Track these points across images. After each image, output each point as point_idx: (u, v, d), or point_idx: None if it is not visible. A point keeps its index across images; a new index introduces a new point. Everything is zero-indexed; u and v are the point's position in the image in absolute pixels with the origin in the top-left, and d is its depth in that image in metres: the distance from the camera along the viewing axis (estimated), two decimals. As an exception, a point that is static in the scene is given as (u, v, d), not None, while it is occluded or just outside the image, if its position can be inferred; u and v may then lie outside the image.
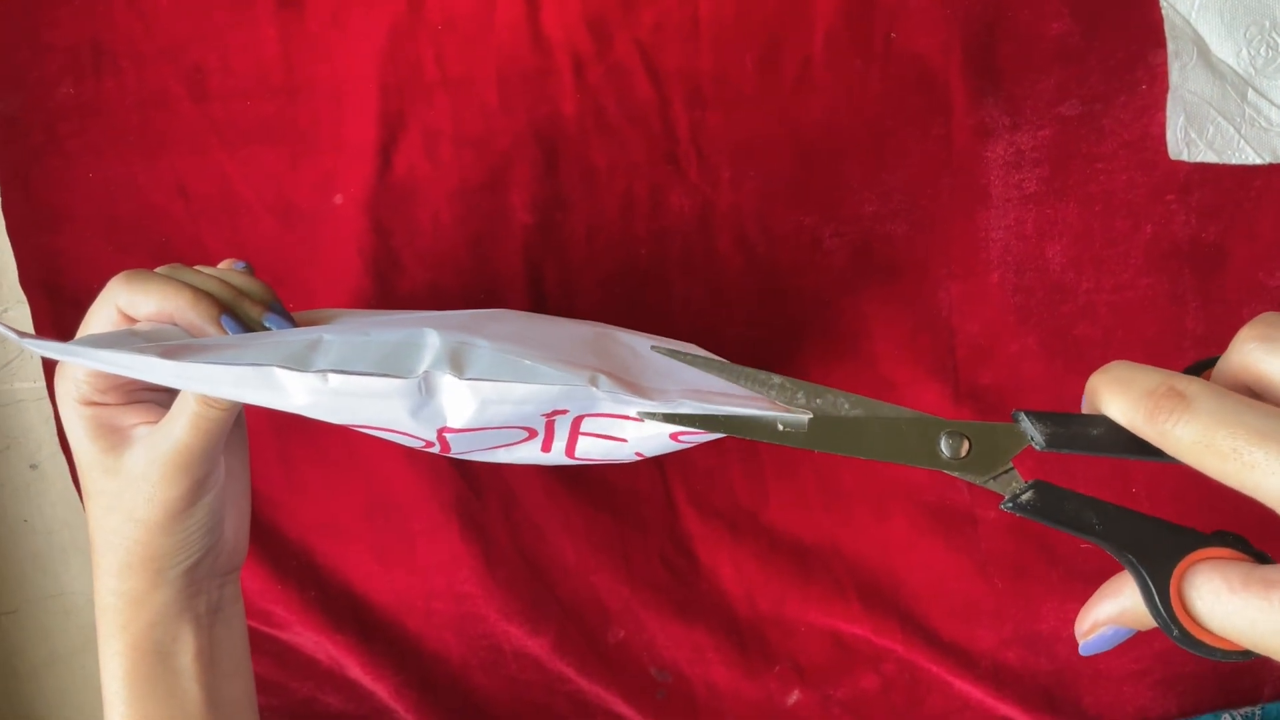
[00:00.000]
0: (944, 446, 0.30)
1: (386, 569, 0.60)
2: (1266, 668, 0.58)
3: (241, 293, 0.40)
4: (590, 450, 0.41)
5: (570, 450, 0.41)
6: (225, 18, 0.55)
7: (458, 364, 0.34)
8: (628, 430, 0.39)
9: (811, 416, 0.31)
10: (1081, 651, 0.29)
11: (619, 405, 0.35)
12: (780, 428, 0.31)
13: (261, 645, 0.62)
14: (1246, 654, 0.25)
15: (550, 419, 0.38)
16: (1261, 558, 0.26)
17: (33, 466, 0.64)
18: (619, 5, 0.53)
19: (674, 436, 0.39)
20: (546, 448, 0.40)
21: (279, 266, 0.57)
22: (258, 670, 0.63)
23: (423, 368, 0.34)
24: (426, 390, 0.34)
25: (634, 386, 0.35)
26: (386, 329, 0.36)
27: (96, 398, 0.39)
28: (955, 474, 0.30)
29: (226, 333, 0.38)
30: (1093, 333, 0.54)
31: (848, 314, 0.56)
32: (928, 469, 0.30)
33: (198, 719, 0.43)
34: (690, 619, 0.59)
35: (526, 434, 0.39)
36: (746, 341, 0.56)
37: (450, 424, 0.36)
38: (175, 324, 0.38)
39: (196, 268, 0.42)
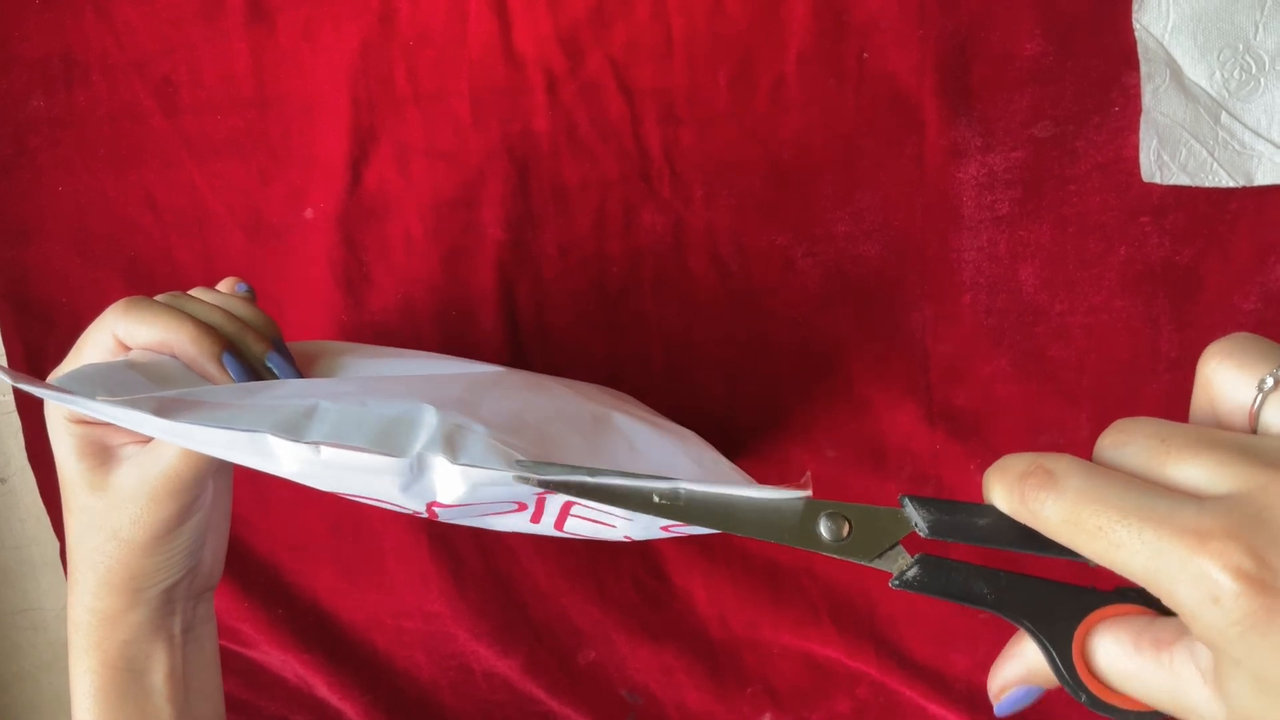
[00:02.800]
0: (824, 529, 0.29)
1: (355, 587, 0.59)
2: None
3: (245, 326, 0.40)
4: (579, 529, 0.40)
5: (559, 525, 0.40)
6: (196, 31, 0.55)
7: (451, 447, 0.33)
8: (616, 518, 0.38)
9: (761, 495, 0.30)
10: (997, 714, 0.29)
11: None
12: (656, 499, 0.31)
13: (230, 663, 0.61)
14: (1156, 714, 0.24)
15: (542, 497, 0.37)
16: (1163, 610, 0.25)
17: (1, 481, 0.64)
18: (591, 22, 0.53)
19: (665, 528, 0.39)
20: (536, 519, 0.40)
21: (249, 280, 0.56)
22: (227, 689, 0.62)
23: (416, 448, 0.33)
24: (418, 469, 0.33)
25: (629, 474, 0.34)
26: (384, 398, 0.36)
27: (88, 417, 0.38)
28: (835, 556, 0.29)
29: (227, 371, 0.38)
30: (1066, 355, 0.54)
31: (821, 334, 0.55)
32: (806, 551, 0.29)
33: None
34: (662, 641, 0.59)
35: (516, 507, 0.38)
36: (719, 361, 0.56)
37: (440, 500, 0.35)
38: (175, 357, 0.38)
39: (197, 292, 0.41)
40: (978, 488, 0.54)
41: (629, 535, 0.40)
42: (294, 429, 0.32)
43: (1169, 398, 0.53)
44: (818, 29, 0.51)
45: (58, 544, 0.62)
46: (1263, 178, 0.52)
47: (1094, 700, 0.25)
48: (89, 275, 0.57)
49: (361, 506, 0.58)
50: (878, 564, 0.29)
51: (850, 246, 0.54)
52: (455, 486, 0.34)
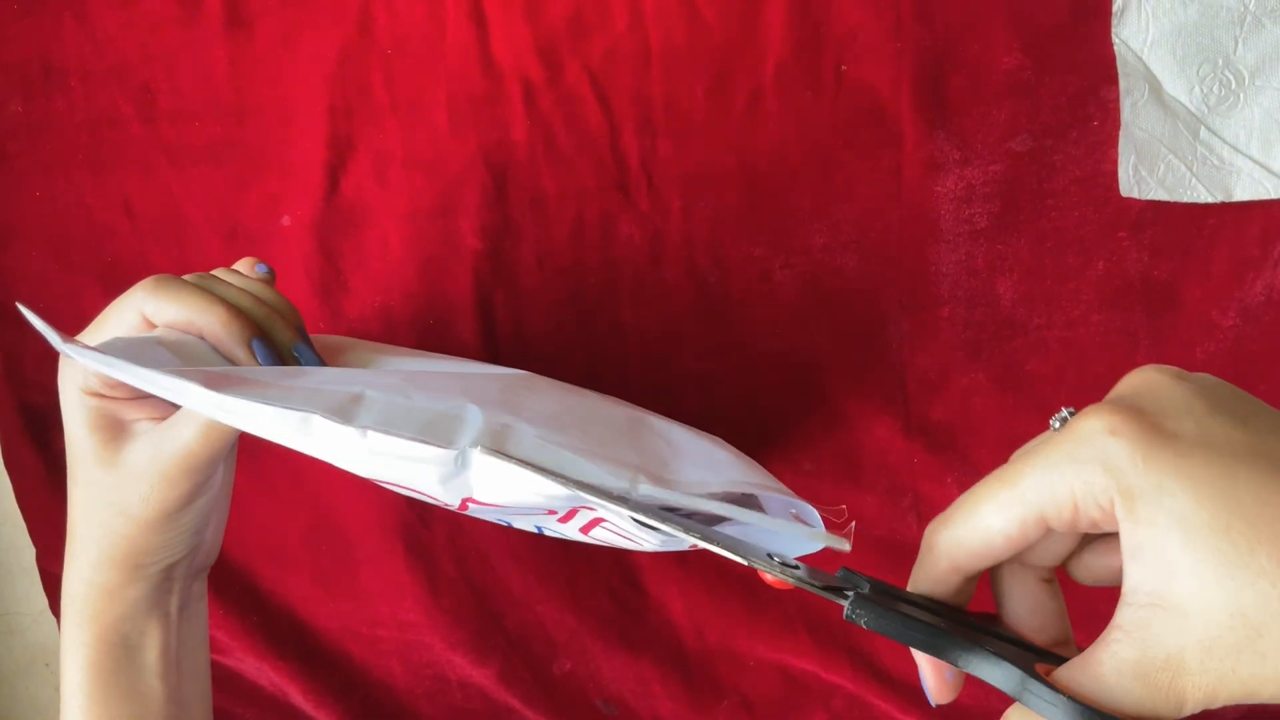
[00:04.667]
0: (774, 555, 0.30)
1: (330, 596, 0.59)
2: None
3: (273, 312, 0.39)
4: (605, 538, 0.40)
5: (585, 530, 0.40)
6: (175, 39, 0.54)
7: (499, 446, 0.33)
8: (646, 538, 0.38)
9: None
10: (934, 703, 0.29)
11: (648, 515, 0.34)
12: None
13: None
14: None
15: (576, 508, 0.37)
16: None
17: (-22, 485, 0.64)
18: (570, 32, 0.53)
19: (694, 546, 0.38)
20: (564, 520, 0.39)
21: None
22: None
23: (463, 444, 0.33)
24: (462, 463, 0.33)
25: (668, 483, 0.34)
26: (426, 393, 0.35)
27: (104, 390, 0.37)
28: (790, 581, 0.29)
29: (255, 357, 0.37)
30: (1044, 369, 0.54)
31: (798, 346, 0.55)
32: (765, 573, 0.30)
33: (158, 716, 0.42)
34: (637, 651, 0.58)
35: (547, 511, 0.38)
36: (695, 372, 0.56)
37: (477, 497, 0.35)
38: (203, 338, 0.37)
39: (222, 274, 0.41)
40: (954, 500, 0.54)
41: (654, 549, 0.40)
42: (343, 414, 0.32)
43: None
44: (795, 41, 0.51)
45: (34, 549, 0.62)
46: (1241, 193, 0.52)
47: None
48: (66, 280, 0.57)
49: (337, 515, 0.58)
50: (828, 595, 0.29)
51: (828, 259, 0.54)
52: (497, 486, 0.33)
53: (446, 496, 0.35)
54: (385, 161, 0.55)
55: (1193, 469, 0.24)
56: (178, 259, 0.57)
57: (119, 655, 0.41)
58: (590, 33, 0.53)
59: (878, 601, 0.28)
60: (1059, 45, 0.51)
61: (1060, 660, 0.27)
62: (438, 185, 0.55)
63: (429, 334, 0.57)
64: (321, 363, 0.40)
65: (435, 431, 0.33)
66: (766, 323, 0.55)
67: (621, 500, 0.32)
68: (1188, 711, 0.24)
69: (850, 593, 0.29)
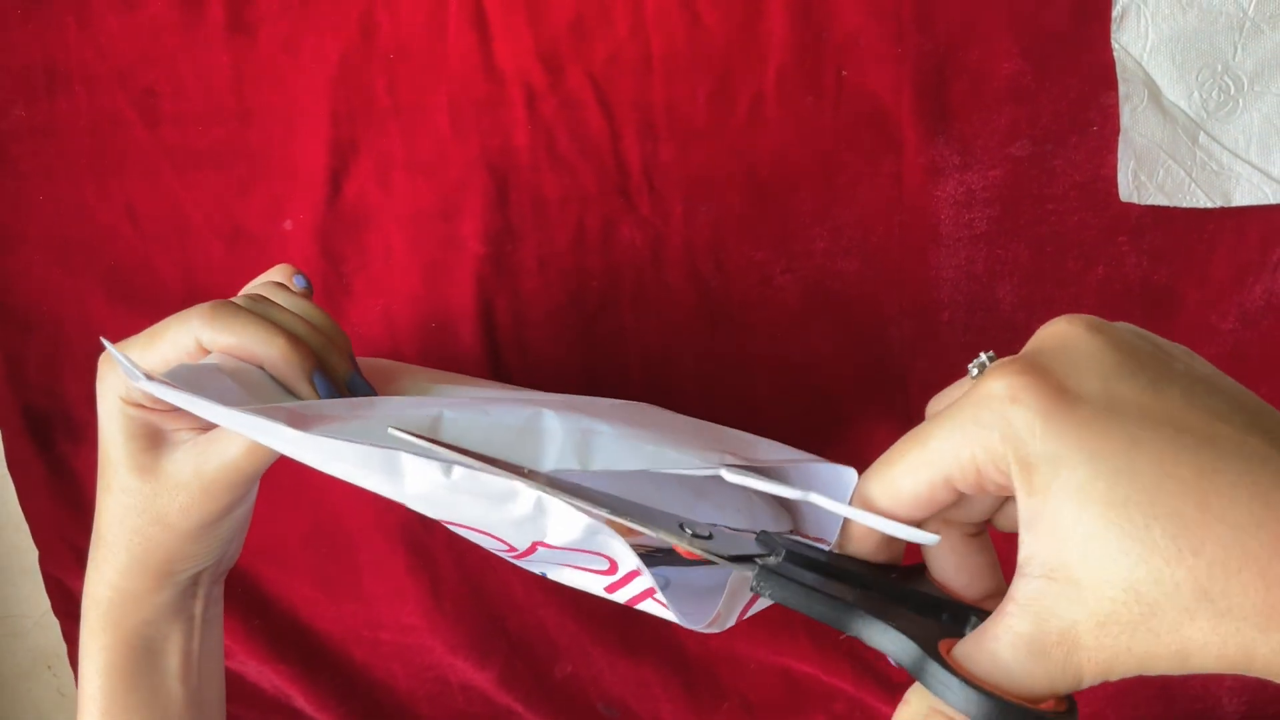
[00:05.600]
0: (685, 525, 0.30)
1: (332, 599, 0.59)
2: (1218, 681, 0.57)
3: (329, 340, 0.39)
4: (648, 609, 0.38)
5: (631, 604, 0.38)
6: (178, 42, 0.55)
7: (584, 455, 0.32)
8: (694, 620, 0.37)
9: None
10: None
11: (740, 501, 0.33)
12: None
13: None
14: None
15: (634, 572, 0.36)
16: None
17: (-20, 488, 0.64)
18: (571, 37, 0.53)
19: (744, 610, 0.37)
20: (613, 590, 0.38)
21: (228, 291, 0.56)
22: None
23: (551, 458, 0.32)
24: (539, 509, 0.32)
25: (758, 465, 0.34)
26: (502, 406, 0.34)
27: (145, 401, 0.37)
28: (699, 552, 0.29)
29: (317, 390, 0.37)
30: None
31: (799, 350, 0.55)
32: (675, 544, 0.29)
33: (178, 719, 0.42)
34: (639, 655, 0.59)
35: (608, 566, 0.37)
36: (696, 376, 0.56)
37: (549, 541, 0.34)
38: (262, 368, 0.37)
39: (270, 291, 0.40)
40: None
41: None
42: (429, 431, 0.31)
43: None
44: (797, 46, 0.52)
45: (36, 552, 0.62)
46: (1240, 198, 0.52)
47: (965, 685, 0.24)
48: (69, 283, 0.58)
49: (339, 518, 0.58)
50: (737, 566, 0.29)
51: (829, 263, 0.54)
52: (571, 529, 0.32)
53: (516, 539, 0.35)
54: (387, 165, 0.55)
55: (1093, 438, 0.23)
56: (180, 262, 0.57)
57: (141, 659, 0.41)
58: (592, 38, 0.53)
59: (784, 573, 0.27)
60: (1059, 51, 0.51)
61: (975, 625, 0.26)
62: (440, 189, 0.55)
63: (431, 337, 0.57)
64: (374, 393, 0.39)
65: (519, 449, 0.32)
66: (767, 327, 0.55)
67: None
68: (1085, 685, 0.24)
69: (760, 561, 0.28)
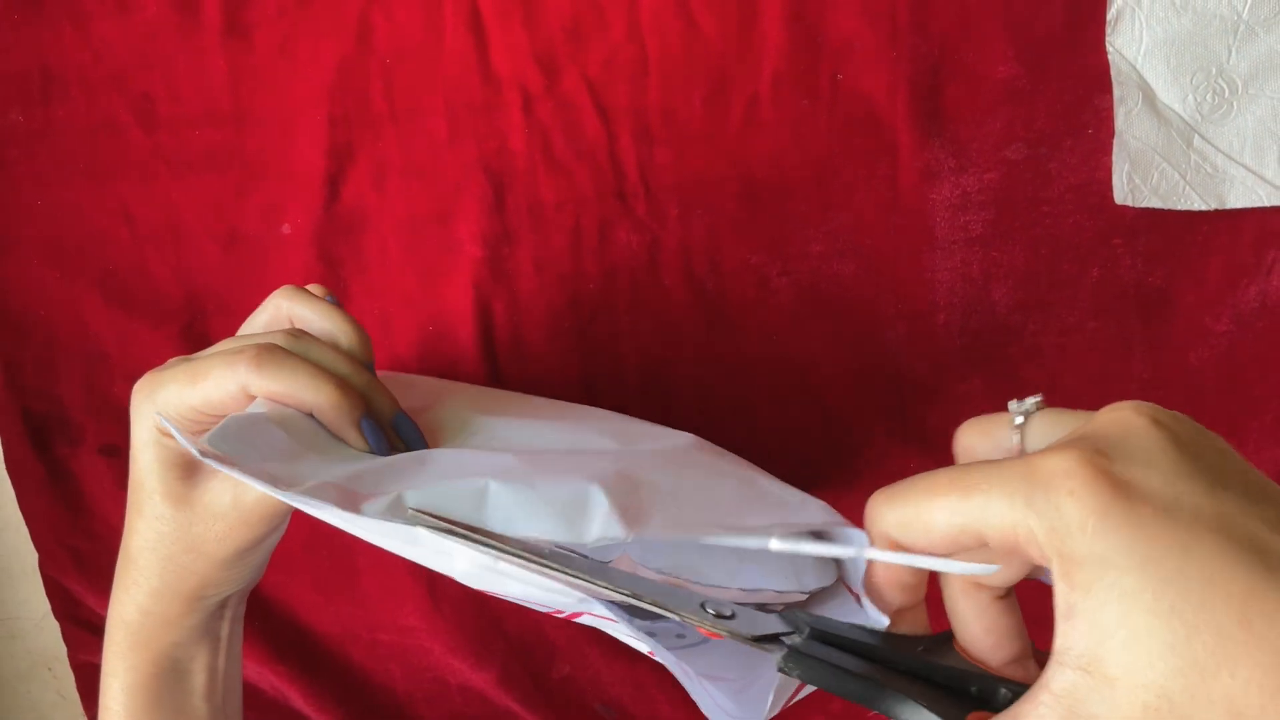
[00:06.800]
0: (708, 605, 0.30)
1: (331, 601, 0.60)
2: None
3: (373, 380, 0.38)
4: (670, 668, 0.38)
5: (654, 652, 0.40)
6: (174, 47, 0.55)
7: (630, 523, 0.32)
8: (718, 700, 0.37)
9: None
10: None
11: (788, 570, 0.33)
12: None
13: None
14: None
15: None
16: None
17: (-21, 491, 0.64)
18: (567, 42, 0.53)
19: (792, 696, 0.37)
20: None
21: (225, 295, 0.57)
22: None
23: (594, 532, 0.32)
24: (587, 602, 0.33)
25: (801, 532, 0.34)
26: (550, 476, 0.34)
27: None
28: (723, 633, 0.29)
29: (365, 439, 0.36)
30: (1039, 375, 0.54)
31: (795, 352, 0.55)
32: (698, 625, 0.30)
33: None
34: (635, 656, 0.59)
35: (647, 650, 0.37)
36: (693, 378, 0.56)
37: (594, 612, 0.35)
38: (311, 415, 0.36)
39: (310, 320, 0.39)
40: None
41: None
42: (473, 515, 0.32)
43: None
44: (792, 50, 0.52)
45: (36, 554, 0.62)
46: (1234, 201, 0.52)
47: None
48: (64, 288, 0.58)
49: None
50: (761, 647, 0.29)
51: (824, 266, 0.54)
52: (606, 611, 0.33)
53: (565, 605, 0.35)
54: (384, 169, 0.55)
55: (1145, 543, 0.23)
56: (176, 267, 0.57)
57: (168, 679, 0.41)
58: (588, 42, 0.53)
59: (811, 652, 0.27)
60: (1054, 54, 0.51)
61: (1006, 698, 0.27)
62: (436, 193, 0.55)
63: (429, 341, 0.57)
64: (419, 433, 0.39)
65: (563, 524, 0.32)
66: (763, 329, 0.55)
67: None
68: None
69: (785, 639, 0.28)
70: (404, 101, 0.54)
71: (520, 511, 0.32)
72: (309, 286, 0.41)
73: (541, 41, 0.53)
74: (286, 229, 0.56)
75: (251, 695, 0.62)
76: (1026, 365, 0.54)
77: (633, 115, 0.53)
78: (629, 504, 0.33)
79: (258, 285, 0.56)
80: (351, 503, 0.31)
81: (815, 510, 0.39)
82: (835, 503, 0.56)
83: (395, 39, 0.54)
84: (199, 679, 0.42)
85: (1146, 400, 0.27)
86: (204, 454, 0.31)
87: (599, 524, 0.32)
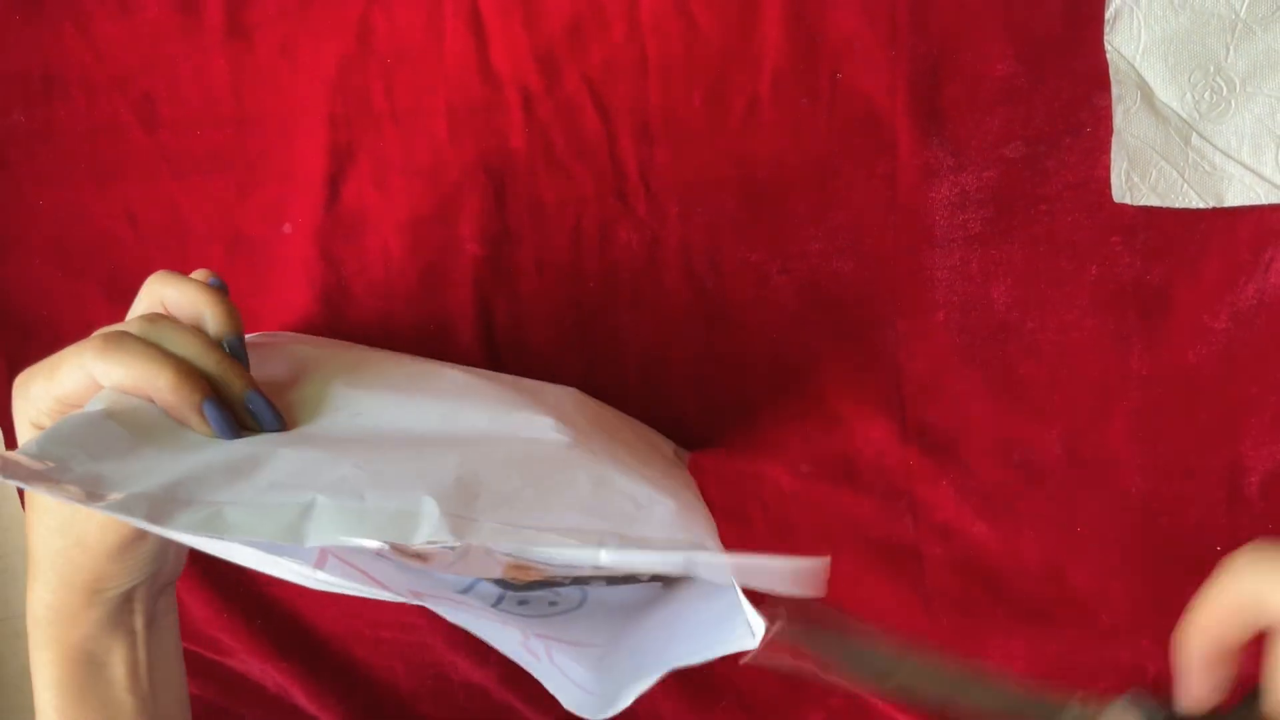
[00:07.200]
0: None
1: (333, 598, 0.60)
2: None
3: (225, 358, 0.38)
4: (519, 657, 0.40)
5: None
6: (175, 48, 0.55)
7: (459, 531, 0.33)
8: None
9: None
10: None
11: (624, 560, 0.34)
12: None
13: (208, 671, 0.62)
14: None
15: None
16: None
17: (-18, 489, 0.64)
18: (568, 42, 0.53)
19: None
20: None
21: (233, 294, 0.57)
22: (205, 695, 0.63)
23: (420, 539, 0.33)
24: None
25: (640, 541, 0.35)
26: (381, 490, 0.34)
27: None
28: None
29: (208, 422, 0.37)
30: (1038, 372, 0.54)
31: (795, 350, 0.56)
32: None
33: None
34: (637, 652, 0.59)
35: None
36: (693, 376, 0.56)
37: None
38: (153, 402, 0.37)
39: (173, 298, 0.40)
40: (950, 504, 0.55)
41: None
42: (292, 533, 0.32)
43: (1140, 415, 0.53)
44: (791, 50, 0.52)
45: (29, 540, 0.62)
46: (1232, 199, 0.52)
47: None
48: (69, 288, 0.58)
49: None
50: None
51: (824, 264, 0.54)
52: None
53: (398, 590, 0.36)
54: (385, 169, 0.55)
55: None
56: (180, 266, 0.56)
57: (86, 673, 0.42)
58: (588, 42, 0.53)
59: None
60: (1052, 53, 0.51)
61: None
62: (438, 192, 0.55)
63: (430, 339, 0.57)
64: (276, 414, 0.39)
65: (390, 530, 0.33)
66: (763, 327, 0.55)
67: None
68: None
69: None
70: (405, 101, 0.55)
71: (345, 525, 0.32)
72: (195, 272, 0.41)
73: (542, 41, 0.53)
74: (288, 228, 0.56)
75: (254, 693, 0.62)
76: (1025, 362, 0.54)
77: (633, 115, 0.54)
78: (461, 512, 0.34)
79: (261, 285, 0.57)
80: (163, 514, 0.31)
81: (661, 514, 0.39)
82: (835, 499, 0.57)
83: (396, 39, 0.54)
84: (118, 671, 0.42)
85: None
86: (5, 472, 0.31)
87: (427, 528, 0.33)
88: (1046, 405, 0.54)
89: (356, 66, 0.54)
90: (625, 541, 0.34)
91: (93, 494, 0.31)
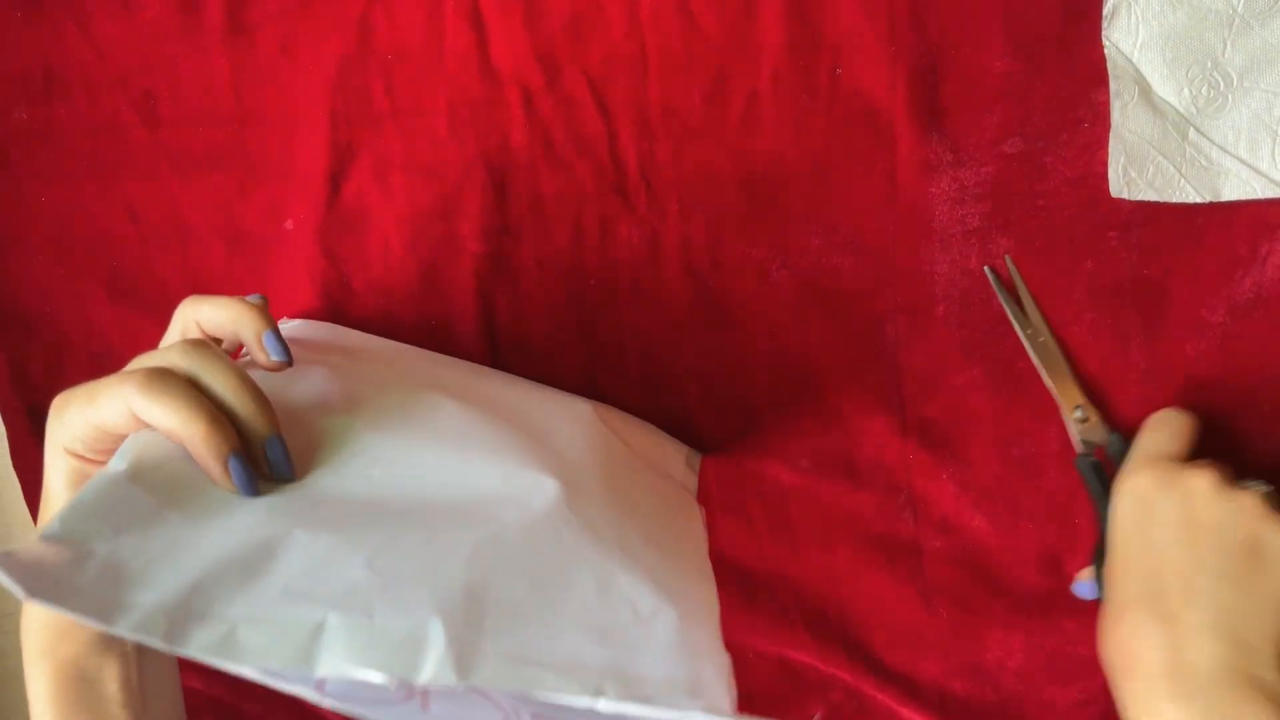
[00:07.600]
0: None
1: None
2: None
3: (253, 400, 0.38)
4: None
5: None
6: (177, 46, 0.55)
7: (462, 668, 0.33)
8: None
9: None
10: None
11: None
12: None
13: (213, 667, 0.62)
14: None
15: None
16: None
17: (-14, 487, 0.65)
18: (568, 38, 0.53)
19: None
20: None
21: (229, 292, 0.57)
22: (210, 691, 0.63)
23: (426, 672, 0.32)
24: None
25: (638, 682, 0.35)
26: (391, 608, 0.34)
27: (85, 453, 0.38)
28: None
29: (230, 478, 0.37)
30: (1036, 367, 0.55)
31: (795, 345, 0.56)
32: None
33: None
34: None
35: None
36: (694, 372, 0.57)
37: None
38: (184, 447, 0.37)
39: (206, 324, 0.40)
40: (949, 498, 0.55)
41: None
42: (304, 658, 0.32)
43: (1138, 408, 0.54)
44: (791, 47, 0.52)
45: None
46: (1229, 193, 0.52)
47: None
48: (71, 286, 0.58)
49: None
50: None
51: (824, 259, 0.55)
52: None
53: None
54: (386, 166, 0.55)
55: None
56: (181, 265, 0.57)
57: (79, 688, 0.42)
58: (588, 39, 0.53)
59: None
60: (1050, 49, 0.52)
61: None
62: (438, 189, 0.56)
63: (431, 336, 0.58)
64: (287, 462, 0.39)
65: (397, 664, 0.33)
66: (764, 322, 0.56)
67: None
68: None
69: None
70: (405, 99, 0.55)
71: (355, 654, 0.32)
72: (252, 297, 0.42)
73: (542, 38, 0.53)
74: (290, 225, 0.56)
75: (260, 688, 0.62)
76: (1024, 357, 0.54)
77: (633, 111, 0.54)
78: (467, 638, 0.34)
79: (262, 282, 0.57)
80: (178, 635, 0.32)
81: (662, 634, 0.39)
82: (838, 499, 0.57)
83: (396, 37, 0.54)
84: (111, 688, 0.42)
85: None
86: (8, 572, 0.31)
87: (431, 667, 0.33)
88: (1045, 398, 0.54)
89: (357, 64, 0.54)
90: (624, 686, 0.34)
91: (107, 614, 0.32)
